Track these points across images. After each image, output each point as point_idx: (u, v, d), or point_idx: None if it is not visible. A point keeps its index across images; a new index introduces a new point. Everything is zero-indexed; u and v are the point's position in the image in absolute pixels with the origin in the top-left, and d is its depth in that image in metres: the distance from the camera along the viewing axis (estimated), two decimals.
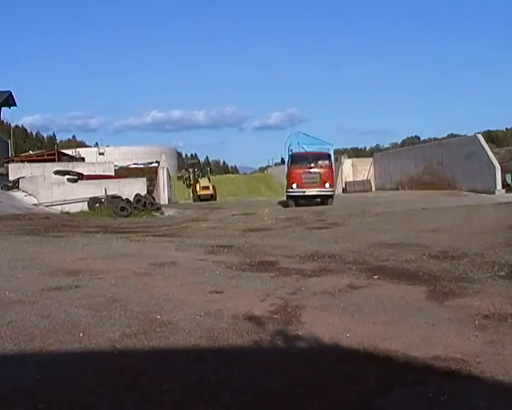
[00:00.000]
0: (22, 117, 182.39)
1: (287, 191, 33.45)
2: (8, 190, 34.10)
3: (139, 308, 7.39)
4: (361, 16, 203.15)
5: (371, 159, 58.20)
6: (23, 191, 33.31)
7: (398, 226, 19.00)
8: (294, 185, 31.85)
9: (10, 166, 38.60)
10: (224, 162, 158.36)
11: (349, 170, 56.08)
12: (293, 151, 36.38)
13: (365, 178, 54.63)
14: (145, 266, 10.80)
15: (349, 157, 62.05)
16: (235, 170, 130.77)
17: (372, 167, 55.62)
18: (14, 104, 49.30)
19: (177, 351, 5.80)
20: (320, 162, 32.64)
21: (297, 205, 32.15)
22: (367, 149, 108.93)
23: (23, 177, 34.73)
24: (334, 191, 32.72)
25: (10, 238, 15.46)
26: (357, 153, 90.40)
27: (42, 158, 42.89)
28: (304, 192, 31.81)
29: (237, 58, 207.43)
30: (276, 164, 73.35)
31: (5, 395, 4.55)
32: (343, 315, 7.28)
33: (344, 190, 52.76)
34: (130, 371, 5.17)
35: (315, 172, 31.87)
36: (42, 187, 32.53)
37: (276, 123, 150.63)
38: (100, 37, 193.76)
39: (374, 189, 53.02)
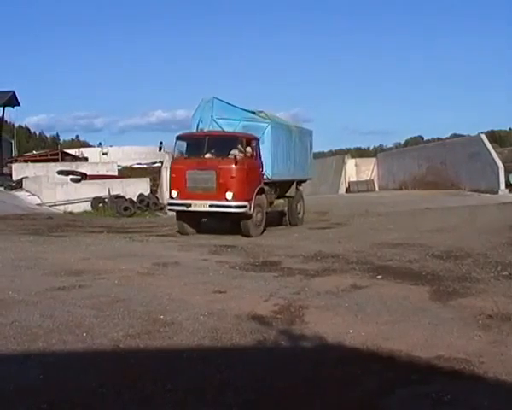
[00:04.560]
0: (27, 117, 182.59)
1: (168, 203, 20.14)
2: (12, 189, 34.13)
3: (142, 308, 7.39)
4: (365, 16, 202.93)
5: (374, 159, 58.05)
6: (26, 191, 33.32)
7: (401, 226, 19.00)
8: (174, 194, 18.11)
9: (14, 166, 38.62)
10: None
11: (352, 170, 55.91)
12: (182, 133, 19.88)
13: (368, 178, 54.48)
14: (148, 266, 10.80)
15: (352, 157, 61.89)
16: None
17: (375, 167, 55.50)
18: (18, 104, 49.22)
19: (181, 351, 5.80)
20: (223, 153, 18.01)
21: (194, 227, 18.76)
22: (370, 149, 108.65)
23: (26, 177, 34.74)
24: (247, 207, 17.51)
25: (14, 238, 15.47)
26: (360, 153, 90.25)
27: (45, 158, 42.92)
28: (188, 206, 17.80)
29: (242, 58, 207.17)
30: None
31: (9, 394, 4.55)
32: (346, 315, 7.27)
33: (347, 190, 52.62)
34: (134, 370, 5.17)
35: (207, 172, 17.71)
36: (45, 187, 32.53)
37: None
38: (105, 36, 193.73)
39: (377, 189, 52.89)
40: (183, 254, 12.71)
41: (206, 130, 19.25)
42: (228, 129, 19.27)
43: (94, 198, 30.85)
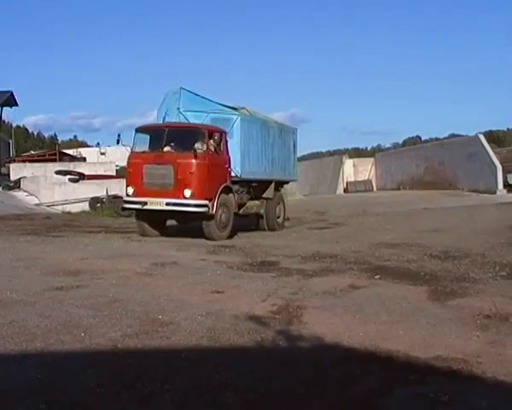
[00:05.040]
0: (25, 117, 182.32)
1: (123, 201, 18.21)
2: (10, 190, 34.15)
3: (140, 308, 7.39)
4: (362, 15, 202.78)
5: (372, 159, 58.08)
6: (24, 191, 33.35)
7: (399, 226, 19.04)
8: (130, 190, 16.67)
9: (12, 166, 38.63)
10: None
11: (350, 170, 55.94)
12: (141, 125, 18.33)
13: (366, 179, 54.53)
14: (146, 266, 10.80)
15: (350, 157, 61.89)
16: None
17: (373, 167, 55.52)
18: (16, 104, 49.29)
19: (179, 351, 5.80)
20: (185, 147, 16.66)
21: (157, 229, 17.45)
22: (368, 149, 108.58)
23: (24, 177, 34.76)
24: (208, 206, 16.11)
25: (12, 238, 15.47)
26: (358, 153, 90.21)
27: (43, 158, 42.94)
28: (144, 204, 16.30)
29: (239, 59, 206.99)
30: None
31: (7, 394, 4.55)
32: (344, 315, 7.28)
33: (345, 190, 52.67)
34: (132, 371, 5.17)
35: (164, 167, 16.29)
36: (43, 187, 32.57)
37: None
38: (103, 36, 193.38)
39: (375, 189, 52.92)
40: (180, 254, 12.71)
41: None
42: (195, 122, 17.64)
43: (92, 198, 30.92)
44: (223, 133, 17.35)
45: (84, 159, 49.23)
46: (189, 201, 16.00)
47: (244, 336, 6.26)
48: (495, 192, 34.67)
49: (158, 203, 16.19)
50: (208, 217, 16.30)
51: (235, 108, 19.99)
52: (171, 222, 18.49)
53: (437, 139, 67.82)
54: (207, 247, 14.13)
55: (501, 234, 15.44)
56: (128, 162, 17.40)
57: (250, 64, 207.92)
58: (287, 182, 23.24)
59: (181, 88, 18.19)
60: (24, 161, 40.87)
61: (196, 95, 18.58)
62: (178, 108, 18.08)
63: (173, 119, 17.94)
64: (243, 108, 20.61)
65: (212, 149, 16.83)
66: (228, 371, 5.25)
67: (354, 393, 4.80)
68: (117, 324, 6.64)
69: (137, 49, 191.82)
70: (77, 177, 33.69)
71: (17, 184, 34.48)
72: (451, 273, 9.98)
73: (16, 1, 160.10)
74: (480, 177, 37.00)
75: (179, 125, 17.44)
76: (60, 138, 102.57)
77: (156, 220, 17.31)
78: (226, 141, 17.49)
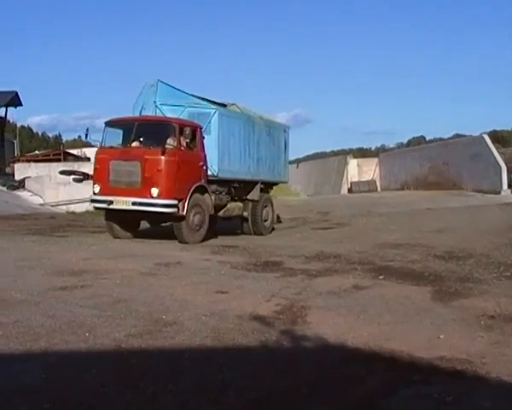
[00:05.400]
0: (29, 117, 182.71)
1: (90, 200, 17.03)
2: (14, 189, 34.17)
3: (144, 308, 7.39)
4: (365, 15, 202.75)
5: (376, 159, 58.01)
6: (29, 191, 33.35)
7: (403, 227, 19.01)
8: (97, 188, 15.71)
9: (16, 165, 38.64)
10: None
11: (354, 170, 55.89)
12: (111, 119, 16.87)
13: (370, 179, 54.48)
14: (150, 266, 10.80)
15: (354, 157, 61.83)
16: None
17: (377, 168, 55.47)
18: (20, 104, 49.37)
19: (183, 351, 5.80)
20: (157, 143, 15.49)
21: (129, 230, 16.62)
22: (372, 149, 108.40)
23: (29, 177, 34.77)
24: (178, 207, 15.16)
25: (16, 238, 15.48)
26: (362, 153, 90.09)
27: (47, 158, 42.91)
28: (109, 203, 15.42)
29: (243, 59, 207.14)
30: None
31: (11, 394, 4.56)
32: (348, 315, 7.28)
33: (349, 191, 52.62)
34: (136, 371, 5.17)
35: (131, 163, 15.20)
36: (47, 187, 32.57)
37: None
38: (106, 36, 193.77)
39: (379, 189, 52.86)
40: (184, 254, 12.72)
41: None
42: (171, 116, 16.50)
43: None
44: (197, 128, 16.21)
45: (88, 159, 49.12)
46: (156, 200, 14.95)
47: (248, 336, 6.27)
48: (499, 192, 34.57)
49: (124, 202, 15.19)
50: (179, 218, 15.34)
51: (217, 103, 18.57)
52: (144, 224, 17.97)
53: (441, 139, 67.66)
54: (211, 247, 14.14)
55: (505, 234, 15.40)
56: (95, 158, 16.57)
57: (252, 63, 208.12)
58: (276, 183, 21.70)
59: (158, 80, 17.10)
60: (28, 161, 40.86)
61: (174, 88, 17.36)
62: (155, 102, 17.04)
63: (150, 113, 16.91)
64: (233, 105, 19.73)
65: (184, 145, 15.67)
66: (231, 371, 5.25)
67: (358, 393, 4.80)
68: (121, 324, 6.65)
69: (139, 49, 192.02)
70: (81, 177, 33.59)
71: (21, 184, 34.51)
72: (455, 274, 9.98)
73: (19, 2, 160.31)
74: (485, 177, 36.92)
75: (148, 119, 16.45)
76: (64, 138, 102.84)
77: (127, 221, 16.34)
78: (202, 137, 16.42)
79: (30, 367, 5.24)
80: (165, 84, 17.14)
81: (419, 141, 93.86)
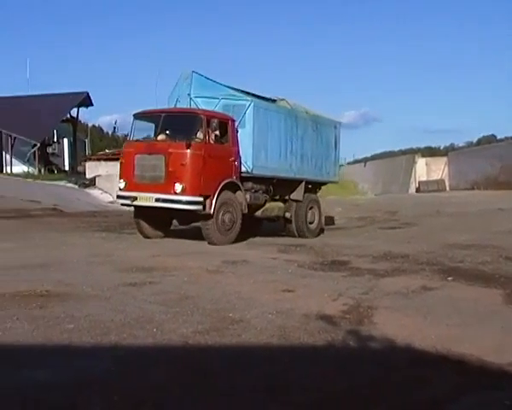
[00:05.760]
0: (100, 117, 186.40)
1: (116, 196, 16.83)
2: (86, 187, 35.03)
3: (211, 305, 7.45)
4: (433, 9, 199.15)
5: (445, 158, 57.01)
6: (99, 189, 34.14)
7: (473, 227, 18.64)
8: (122, 184, 15.19)
9: (87, 164, 39.65)
10: None
11: (422, 169, 55.06)
12: (139, 111, 16.13)
13: (439, 178, 53.59)
14: (217, 263, 10.89)
15: (423, 156, 60.90)
16: None
17: (446, 167, 54.54)
18: (91, 104, 50.57)
19: (249, 349, 5.83)
20: (185, 136, 14.51)
21: (160, 229, 15.76)
22: (441, 148, 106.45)
23: (99, 175, 35.57)
24: (204, 204, 14.16)
25: (87, 234, 15.85)
26: (431, 152, 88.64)
27: (117, 156, 43.74)
28: (133, 200, 14.71)
29: (312, 57, 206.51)
30: (348, 163, 72.99)
31: (82, 384, 4.66)
32: (416, 317, 7.18)
33: (417, 190, 51.92)
34: (202, 367, 5.22)
35: (155, 157, 14.49)
36: (117, 185, 33.17)
37: (350, 122, 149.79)
38: (174, 34, 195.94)
39: (448, 188, 51.96)
40: (251, 253, 12.78)
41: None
42: (207, 109, 15.38)
43: None
44: (228, 121, 15.20)
45: None
46: (180, 197, 13.93)
47: (314, 336, 6.25)
48: None
49: (148, 199, 14.37)
50: (206, 217, 14.34)
51: (261, 97, 17.49)
52: None
53: None
54: (278, 246, 14.17)
55: None
56: (122, 152, 16.14)
57: (320, 61, 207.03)
58: (324, 183, 19.84)
59: (193, 72, 16.10)
60: (99, 160, 41.75)
61: (209, 79, 16.26)
62: (189, 94, 15.97)
63: (184, 106, 15.93)
64: (283, 100, 18.66)
65: (213, 139, 14.66)
66: (297, 370, 5.25)
67: (423, 396, 4.73)
68: (188, 320, 6.71)
69: (210, 44, 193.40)
70: None
71: (92, 182, 35.34)
72: None
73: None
74: None
75: (175, 111, 15.62)
76: None
77: (156, 219, 15.45)
78: (236, 130, 15.41)
79: (100, 360, 5.35)
80: (200, 75, 16.16)
81: (489, 140, 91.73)
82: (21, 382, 4.72)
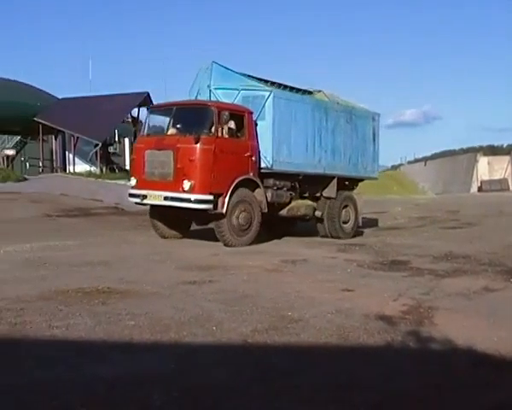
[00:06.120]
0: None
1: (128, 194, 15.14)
2: None
3: (270, 304, 7.46)
4: (497, 14, 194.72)
5: (508, 157, 55.94)
6: None
7: None
8: (133, 181, 14.48)
9: None
10: None
11: (485, 168, 54.22)
12: (154, 104, 14.74)
13: (502, 177, 52.63)
14: (276, 262, 10.92)
15: (485, 155, 59.87)
16: None
17: (509, 166, 53.47)
18: (151, 104, 51.24)
19: (307, 348, 5.83)
20: (196, 130, 13.52)
21: (176, 229, 15.08)
22: (504, 146, 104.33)
23: None
24: (215, 203, 13.25)
25: (147, 233, 16.04)
26: (493, 151, 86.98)
27: None
28: (143, 198, 14.03)
29: (373, 54, 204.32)
30: (409, 162, 72.19)
31: (143, 380, 4.74)
32: (478, 318, 7.06)
33: (479, 189, 51.14)
34: (261, 366, 5.24)
35: (164, 153, 13.62)
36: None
37: (411, 120, 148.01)
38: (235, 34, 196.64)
39: (511, 188, 50.96)
40: (310, 252, 12.77)
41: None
42: (226, 101, 14.59)
43: None
44: (244, 113, 14.16)
45: None
46: (188, 195, 13.04)
47: (374, 336, 6.20)
48: None
49: (157, 197, 13.62)
50: (218, 216, 13.44)
51: (285, 87, 16.45)
52: None
53: None
54: (337, 245, 14.12)
55: None
56: (133, 148, 15.13)
57: (381, 59, 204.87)
58: (361, 179, 18.17)
59: (213, 62, 15.14)
60: None
61: (229, 70, 15.23)
62: (209, 86, 15.05)
63: (205, 98, 14.97)
64: (320, 92, 17.60)
65: (226, 132, 13.70)
66: (356, 370, 5.22)
67: (487, 400, 4.64)
68: (247, 319, 6.74)
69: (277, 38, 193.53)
70: None
71: None
72: None
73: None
74: None
75: (186, 104, 14.60)
76: None
77: (172, 218, 14.67)
78: (254, 123, 14.36)
79: (160, 357, 5.43)
80: (219, 65, 15.16)
81: None
82: (84, 377, 4.83)
